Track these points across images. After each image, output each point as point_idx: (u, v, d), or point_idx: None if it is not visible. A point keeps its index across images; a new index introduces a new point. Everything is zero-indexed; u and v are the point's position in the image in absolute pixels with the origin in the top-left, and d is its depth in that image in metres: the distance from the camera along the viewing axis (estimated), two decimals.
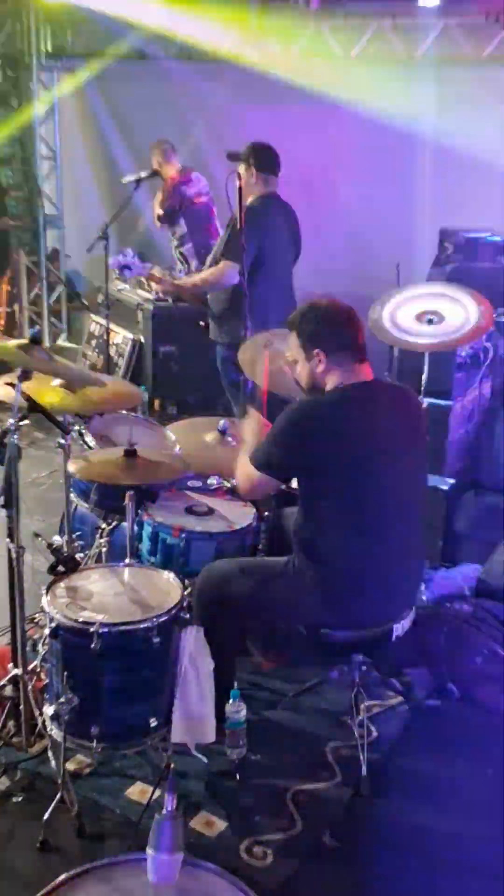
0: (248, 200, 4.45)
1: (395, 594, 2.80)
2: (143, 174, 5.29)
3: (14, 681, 2.82)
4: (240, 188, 4.03)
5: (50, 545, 2.81)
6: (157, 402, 6.20)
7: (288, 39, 6.33)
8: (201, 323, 4.82)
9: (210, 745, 2.71)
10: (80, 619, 2.52)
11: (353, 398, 2.71)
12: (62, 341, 8.19)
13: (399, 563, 2.78)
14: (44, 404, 2.79)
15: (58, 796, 2.55)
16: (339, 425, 2.66)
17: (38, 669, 2.91)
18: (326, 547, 2.70)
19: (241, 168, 4.42)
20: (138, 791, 2.74)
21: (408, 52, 5.98)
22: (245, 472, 2.85)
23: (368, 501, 2.66)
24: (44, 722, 2.71)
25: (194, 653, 2.63)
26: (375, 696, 3.22)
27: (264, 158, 4.48)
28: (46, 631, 2.60)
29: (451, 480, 4.15)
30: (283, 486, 3.40)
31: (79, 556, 3.33)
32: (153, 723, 2.60)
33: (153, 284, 5.72)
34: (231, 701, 2.81)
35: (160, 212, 6.42)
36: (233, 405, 4.67)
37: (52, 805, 2.54)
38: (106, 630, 2.49)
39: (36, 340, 2.80)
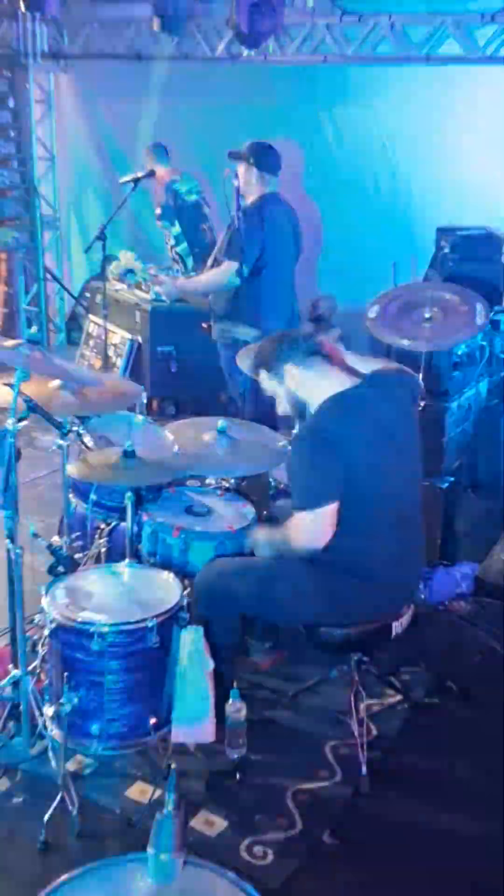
0: (249, 200, 4.44)
1: (394, 592, 2.81)
2: (140, 174, 5.29)
3: (14, 682, 2.82)
4: (237, 188, 4.02)
5: (49, 545, 2.81)
6: (155, 403, 6.20)
7: (286, 38, 6.33)
8: (205, 324, 4.82)
9: (210, 744, 2.72)
10: (80, 620, 2.53)
11: (346, 403, 2.68)
12: (60, 342, 8.19)
13: (399, 561, 2.78)
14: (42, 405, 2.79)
15: (58, 797, 2.56)
16: (345, 430, 2.64)
17: (38, 670, 2.91)
18: (329, 547, 2.69)
19: (242, 167, 4.42)
20: (138, 791, 2.74)
21: (404, 50, 5.98)
22: (300, 526, 2.69)
23: (374, 501, 2.66)
24: (44, 722, 2.71)
25: (194, 652, 2.63)
26: (375, 695, 3.22)
27: (265, 157, 4.47)
28: (46, 631, 2.61)
29: (450, 479, 4.15)
30: (280, 485, 3.42)
31: (78, 556, 3.34)
32: (153, 722, 2.61)
33: (157, 287, 5.72)
34: (231, 700, 2.81)
35: (158, 211, 6.45)
36: (238, 403, 4.66)
37: (53, 805, 2.54)
38: (105, 630, 2.50)
39: (34, 341, 2.80)
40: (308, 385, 2.73)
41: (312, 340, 2.79)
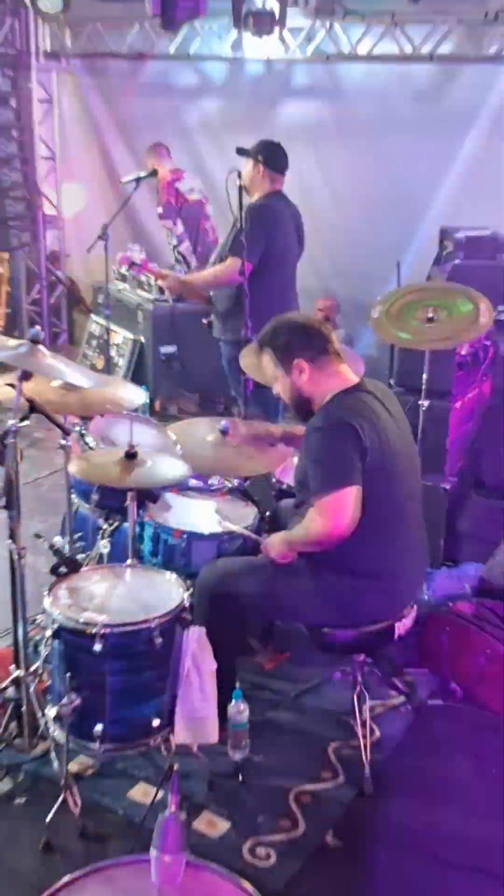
0: (255, 197, 4.44)
1: (397, 593, 2.80)
2: (142, 174, 5.29)
3: (16, 682, 2.82)
4: (240, 187, 4.02)
5: (51, 546, 2.81)
6: (157, 403, 6.20)
7: (288, 37, 6.33)
8: (205, 320, 4.81)
9: (213, 745, 2.71)
10: (82, 620, 2.52)
11: (363, 400, 2.69)
12: (62, 342, 8.20)
13: (403, 562, 2.77)
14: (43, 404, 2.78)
15: (60, 798, 2.55)
16: (365, 427, 2.61)
17: (41, 671, 2.90)
18: (331, 547, 2.68)
19: (249, 164, 4.42)
20: (141, 792, 2.74)
21: (408, 49, 5.98)
22: (323, 511, 2.55)
23: (378, 502, 2.64)
24: (46, 723, 2.71)
25: (196, 653, 2.63)
26: (378, 696, 3.21)
27: (274, 156, 4.47)
28: (48, 632, 2.60)
29: (453, 479, 4.14)
30: (283, 486, 3.41)
31: (80, 556, 3.34)
32: (156, 723, 2.60)
33: (160, 282, 5.71)
34: (234, 701, 2.80)
35: (160, 210, 6.45)
36: (238, 402, 4.66)
37: (55, 806, 2.53)
38: (108, 631, 2.49)
39: (36, 341, 2.79)
40: (316, 382, 2.73)
41: (326, 339, 2.77)
